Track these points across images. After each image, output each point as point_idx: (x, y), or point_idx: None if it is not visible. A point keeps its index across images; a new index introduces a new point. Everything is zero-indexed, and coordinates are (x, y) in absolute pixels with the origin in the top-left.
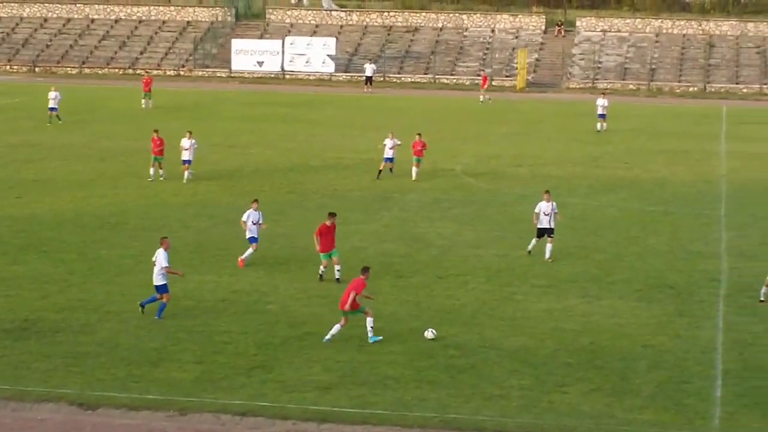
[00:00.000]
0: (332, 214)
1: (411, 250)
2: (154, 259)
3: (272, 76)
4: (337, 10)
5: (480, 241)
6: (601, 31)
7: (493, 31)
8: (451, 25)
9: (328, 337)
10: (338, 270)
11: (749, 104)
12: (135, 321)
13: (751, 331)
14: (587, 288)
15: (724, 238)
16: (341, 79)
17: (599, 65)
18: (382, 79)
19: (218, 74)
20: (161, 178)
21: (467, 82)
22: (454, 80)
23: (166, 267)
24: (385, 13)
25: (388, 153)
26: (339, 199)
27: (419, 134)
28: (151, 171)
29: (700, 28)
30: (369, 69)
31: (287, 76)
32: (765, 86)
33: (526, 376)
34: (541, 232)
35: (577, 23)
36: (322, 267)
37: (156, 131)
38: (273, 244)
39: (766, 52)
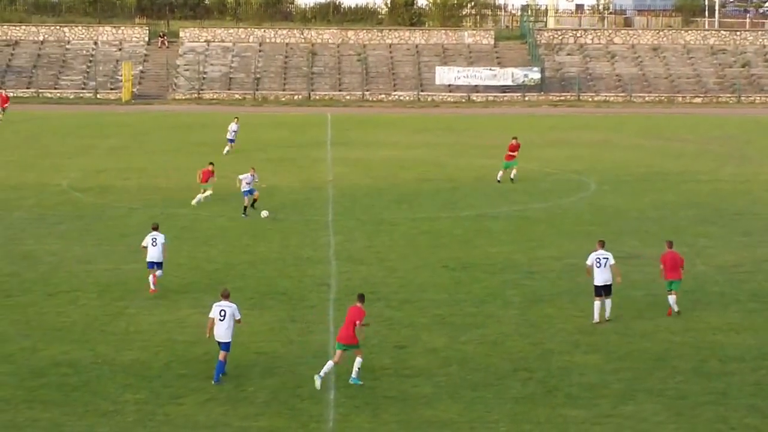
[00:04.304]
0: None
1: (18, 268)
2: None
3: None
4: None
5: (89, 256)
6: (204, 41)
7: (96, 43)
8: (53, 38)
9: (321, 374)
10: None
11: (352, 111)
12: None
13: None
14: (199, 298)
15: (333, 242)
16: None
17: (204, 76)
18: None
19: None
20: None
21: (72, 96)
22: (58, 94)
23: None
24: None
25: (245, 187)
26: None
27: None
28: None
29: (302, 36)
30: None
31: None
32: (367, 92)
33: (140, 389)
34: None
35: (181, 34)
36: None
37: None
38: None
39: (366, 59)
